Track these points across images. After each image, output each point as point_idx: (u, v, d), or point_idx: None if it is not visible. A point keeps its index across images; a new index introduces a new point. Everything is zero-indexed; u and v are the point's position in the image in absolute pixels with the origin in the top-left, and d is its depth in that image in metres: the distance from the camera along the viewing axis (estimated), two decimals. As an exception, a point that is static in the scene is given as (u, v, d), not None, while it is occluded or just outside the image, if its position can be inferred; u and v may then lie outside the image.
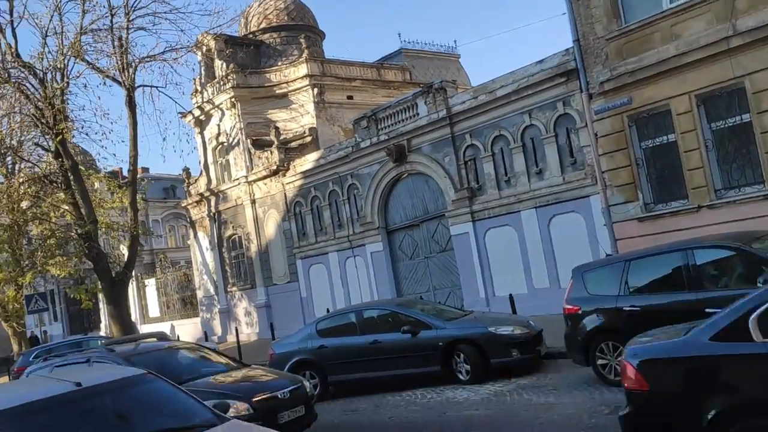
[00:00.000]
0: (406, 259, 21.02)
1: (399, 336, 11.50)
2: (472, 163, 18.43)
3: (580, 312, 9.41)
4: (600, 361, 9.16)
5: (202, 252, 29.36)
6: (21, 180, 25.76)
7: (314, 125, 25.89)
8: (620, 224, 14.64)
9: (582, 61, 14.98)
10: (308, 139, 25.66)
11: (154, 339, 11.46)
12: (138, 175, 25.95)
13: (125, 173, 32.59)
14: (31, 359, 20.83)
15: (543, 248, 16.75)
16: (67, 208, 23.88)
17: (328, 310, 20.20)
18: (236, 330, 22.53)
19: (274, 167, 24.65)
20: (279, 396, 8.43)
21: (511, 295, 15.04)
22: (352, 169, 22.00)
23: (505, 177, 17.63)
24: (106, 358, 9.01)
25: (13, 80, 21.54)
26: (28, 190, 25.25)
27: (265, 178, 25.34)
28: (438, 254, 19.98)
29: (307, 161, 23.89)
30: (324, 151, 23.37)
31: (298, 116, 26.30)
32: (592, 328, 9.22)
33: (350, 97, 26.69)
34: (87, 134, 36.16)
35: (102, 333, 31.15)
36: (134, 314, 29.31)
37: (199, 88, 27.93)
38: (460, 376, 11.04)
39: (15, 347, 31.12)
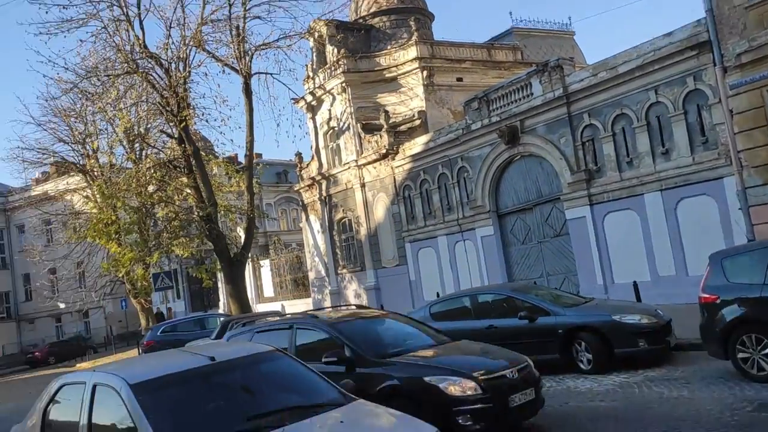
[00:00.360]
0: (517, 244, 20.51)
1: (516, 321, 11.15)
2: (590, 143, 17.64)
3: (718, 301, 8.70)
4: (741, 355, 8.45)
5: (313, 234, 30.08)
6: (148, 165, 27.31)
7: (423, 108, 25.75)
8: (758, 208, 13.48)
9: (716, 32, 13.88)
10: (417, 122, 25.57)
11: (275, 317, 11.60)
12: (253, 160, 26.85)
13: (240, 159, 33.90)
14: (158, 334, 22.26)
15: (668, 233, 15.78)
16: (189, 191, 25.08)
17: (437, 294, 20.14)
18: (347, 311, 22.96)
19: (384, 151, 24.77)
20: (508, 376, 7.36)
21: (635, 282, 14.26)
22: (462, 151, 21.68)
23: (627, 158, 16.73)
24: (309, 325, 8.64)
25: (141, 70, 22.75)
26: (154, 174, 26.69)
27: (374, 161, 25.52)
28: (552, 239, 19.35)
29: (416, 144, 23.81)
30: (433, 134, 23.18)
31: (408, 99, 26.24)
32: (733, 319, 8.50)
33: (460, 79, 26.31)
34: (207, 121, 37.57)
35: (221, 310, 32.71)
36: (250, 293, 30.50)
37: (311, 74, 28.49)
38: (581, 365, 10.57)
39: (143, 322, 33.34)
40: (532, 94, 18.85)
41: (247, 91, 23.64)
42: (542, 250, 19.67)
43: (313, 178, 29.16)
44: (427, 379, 7.18)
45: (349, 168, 26.75)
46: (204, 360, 5.52)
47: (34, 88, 67.07)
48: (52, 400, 5.98)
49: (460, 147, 21.66)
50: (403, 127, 25.50)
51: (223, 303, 33.46)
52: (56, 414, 5.90)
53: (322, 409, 5.26)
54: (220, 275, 29.18)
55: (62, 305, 44.13)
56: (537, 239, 19.81)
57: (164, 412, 4.89)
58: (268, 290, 34.34)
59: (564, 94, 17.81)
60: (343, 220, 28.07)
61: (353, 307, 10.36)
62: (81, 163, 34.10)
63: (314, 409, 5.27)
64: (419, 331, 8.93)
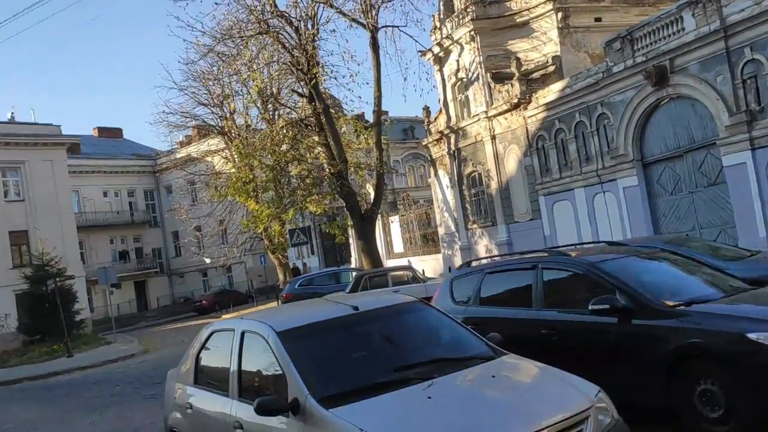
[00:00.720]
0: (665, 195, 19.02)
1: (670, 276, 10.22)
2: (752, 81, 15.78)
3: None
4: None
5: (442, 190, 29.74)
6: (281, 125, 28.07)
7: (558, 53, 24.26)
8: None
9: None
10: (551, 68, 24.18)
11: (407, 272, 11.51)
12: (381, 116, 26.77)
13: (367, 117, 34.01)
14: (296, 287, 23.10)
15: None
16: (320, 149, 25.53)
17: (575, 249, 19.17)
18: (479, 266, 22.55)
19: (515, 100, 23.73)
20: None
21: (809, 233, 12.73)
22: (601, 97, 20.27)
23: (798, 95, 14.83)
24: (560, 264, 7.23)
25: (272, 30, 23.16)
26: (287, 133, 27.40)
27: (505, 112, 24.55)
28: (705, 188, 17.74)
29: (550, 92, 22.58)
30: (569, 80, 21.83)
31: (540, 45, 24.85)
32: None
33: (598, 19, 24.46)
34: (335, 78, 38.02)
35: (353, 265, 33.46)
36: (380, 249, 30.87)
37: (438, 24, 27.74)
38: (749, 325, 9.49)
39: (280, 277, 34.90)
40: (683, 29, 17.11)
41: (374, 46, 23.43)
42: (694, 201, 18.11)
43: (441, 132, 28.66)
44: (753, 336, 5.25)
45: (478, 120, 25.96)
46: (348, 309, 5.42)
47: (176, 53, 71.25)
48: (203, 346, 6.16)
49: (599, 92, 20.25)
50: (535, 75, 24.23)
51: (355, 258, 34.19)
52: (208, 359, 6.07)
53: (471, 363, 5.01)
54: (351, 231, 29.70)
55: (207, 260, 47.22)
56: (688, 189, 18.25)
57: (310, 360, 4.85)
58: (398, 246, 34.62)
59: (721, 27, 15.98)
60: (473, 174, 27.45)
61: (602, 244, 8.44)
62: (219, 125, 35.79)
63: (462, 362, 5.04)
64: (702, 274, 7.06)
